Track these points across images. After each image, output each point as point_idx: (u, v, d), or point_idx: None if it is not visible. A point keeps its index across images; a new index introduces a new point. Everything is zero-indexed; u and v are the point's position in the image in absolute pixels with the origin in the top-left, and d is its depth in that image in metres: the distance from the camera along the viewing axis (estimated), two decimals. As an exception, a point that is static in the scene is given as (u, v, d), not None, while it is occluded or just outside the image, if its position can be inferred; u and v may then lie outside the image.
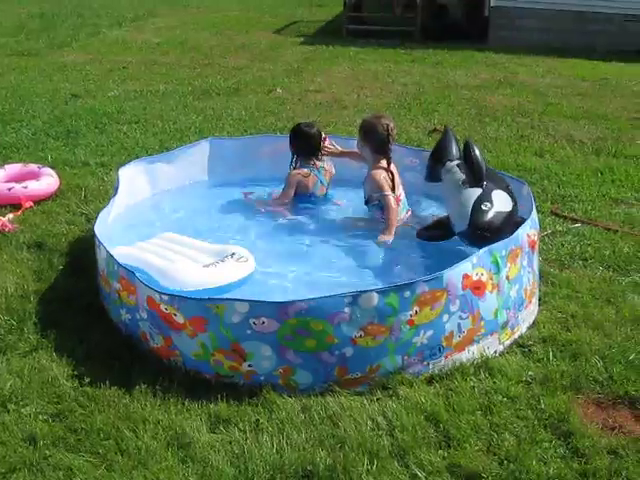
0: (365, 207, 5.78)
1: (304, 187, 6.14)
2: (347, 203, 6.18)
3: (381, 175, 5.58)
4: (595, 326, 4.72)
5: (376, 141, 5.64)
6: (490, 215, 4.76)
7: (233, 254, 4.92)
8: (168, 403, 3.96)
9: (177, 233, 5.36)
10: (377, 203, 5.63)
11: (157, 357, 4.33)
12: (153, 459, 3.56)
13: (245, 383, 4.09)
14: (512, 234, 4.59)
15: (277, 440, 3.69)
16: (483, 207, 4.78)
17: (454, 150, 5.68)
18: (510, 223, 4.78)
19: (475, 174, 5.02)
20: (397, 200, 5.65)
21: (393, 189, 5.62)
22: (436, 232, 5.33)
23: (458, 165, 5.39)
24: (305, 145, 6.16)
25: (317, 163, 6.16)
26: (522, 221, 4.82)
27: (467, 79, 12.55)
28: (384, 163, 5.65)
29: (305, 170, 6.13)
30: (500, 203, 4.85)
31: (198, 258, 4.90)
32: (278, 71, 13.08)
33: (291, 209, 6.07)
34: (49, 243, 5.86)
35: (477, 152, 5.08)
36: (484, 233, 4.68)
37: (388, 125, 5.63)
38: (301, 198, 6.15)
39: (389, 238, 5.46)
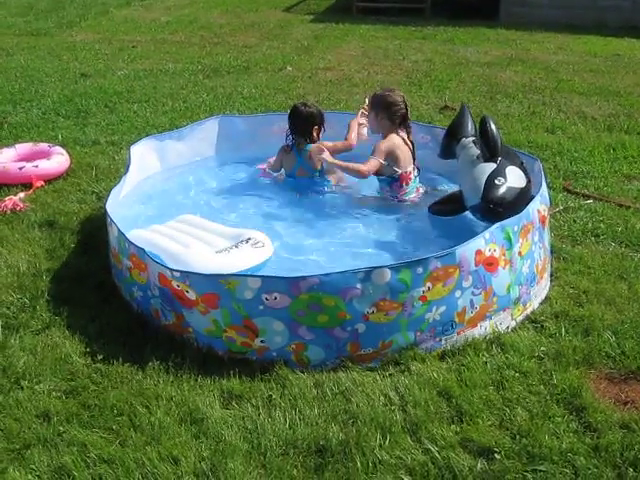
0: (371, 185, 5.80)
1: (284, 163, 6.19)
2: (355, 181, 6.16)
3: (384, 145, 5.61)
4: (607, 302, 4.71)
5: (396, 114, 5.66)
6: (503, 190, 4.74)
7: (249, 239, 4.80)
8: (181, 379, 3.97)
9: (192, 214, 5.36)
10: (384, 178, 5.64)
11: (169, 334, 4.34)
12: (166, 435, 3.58)
13: (257, 359, 4.10)
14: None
15: (290, 415, 3.70)
16: (496, 181, 4.76)
17: (469, 127, 5.70)
18: (523, 200, 4.75)
19: (490, 149, 5.01)
20: (407, 177, 5.65)
21: (414, 160, 5.72)
22: (448, 207, 5.33)
23: (473, 141, 5.40)
24: (293, 123, 6.11)
25: (303, 145, 6.07)
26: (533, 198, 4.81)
27: (478, 56, 12.49)
28: (395, 137, 5.66)
29: (287, 147, 6.14)
30: (514, 179, 4.83)
31: (214, 242, 4.82)
32: (288, 49, 13.04)
33: (285, 179, 6.20)
34: (60, 222, 5.88)
35: (493, 127, 5.07)
36: (496, 208, 4.66)
37: (404, 97, 5.74)
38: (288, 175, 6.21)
39: (324, 156, 5.73)
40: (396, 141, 5.65)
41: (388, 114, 5.66)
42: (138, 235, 4.79)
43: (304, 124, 6.05)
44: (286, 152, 6.14)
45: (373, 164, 5.57)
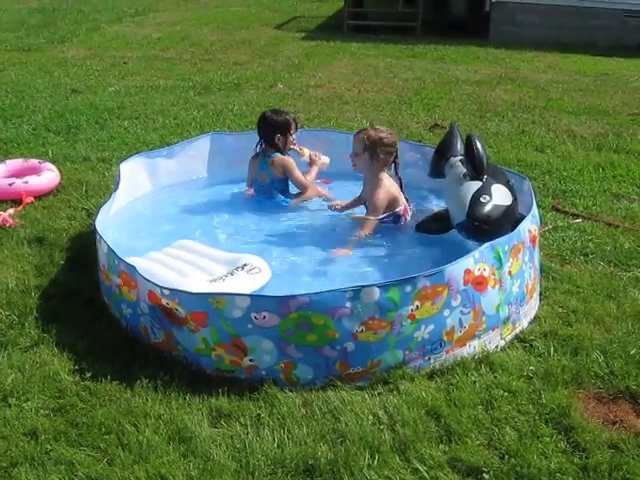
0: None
1: (251, 171, 6.30)
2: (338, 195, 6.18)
3: (384, 196, 5.46)
4: (596, 321, 4.72)
5: (388, 155, 5.51)
6: (488, 208, 4.75)
7: (244, 265, 4.74)
8: (169, 398, 3.96)
9: (184, 236, 5.35)
10: (391, 220, 5.56)
11: (158, 352, 4.33)
12: (154, 453, 3.56)
13: (246, 377, 4.09)
14: (513, 229, 4.59)
15: (278, 435, 3.69)
16: (481, 199, 4.78)
17: (458, 146, 5.70)
18: (509, 218, 4.77)
19: (475, 167, 5.02)
20: (407, 209, 5.56)
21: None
22: (435, 225, 5.34)
23: (461, 160, 5.41)
24: (260, 130, 6.22)
25: (269, 152, 6.15)
26: (522, 217, 4.81)
27: (468, 74, 12.54)
28: (386, 178, 5.54)
29: (256, 155, 6.25)
30: (499, 197, 4.84)
31: (210, 269, 4.77)
32: (279, 66, 13.07)
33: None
34: (50, 238, 5.86)
35: (479, 145, 5.07)
36: (481, 226, 4.68)
37: (395, 137, 5.65)
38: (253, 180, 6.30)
39: (366, 232, 5.45)
40: (387, 182, 5.53)
41: (385, 154, 5.46)
42: (134, 262, 4.74)
43: (266, 131, 6.16)
44: (254, 159, 6.26)
45: (371, 226, 5.46)
